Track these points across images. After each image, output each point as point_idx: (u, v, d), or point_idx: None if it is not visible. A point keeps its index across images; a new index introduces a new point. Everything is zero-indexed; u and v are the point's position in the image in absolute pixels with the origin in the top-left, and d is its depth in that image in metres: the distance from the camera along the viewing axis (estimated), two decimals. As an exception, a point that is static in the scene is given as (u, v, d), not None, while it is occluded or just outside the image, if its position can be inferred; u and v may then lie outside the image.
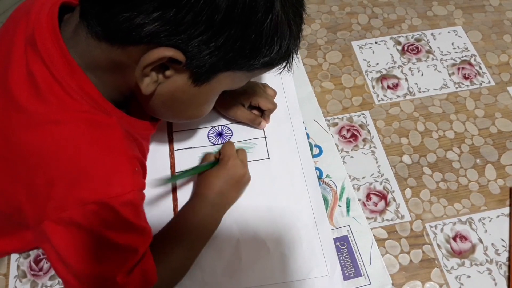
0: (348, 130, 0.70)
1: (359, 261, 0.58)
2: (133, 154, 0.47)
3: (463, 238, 0.61)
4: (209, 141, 0.67)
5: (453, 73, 0.76)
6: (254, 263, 0.57)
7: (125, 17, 0.39)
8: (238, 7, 0.39)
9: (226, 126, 0.69)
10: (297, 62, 0.57)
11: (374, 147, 0.68)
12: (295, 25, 0.45)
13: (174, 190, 0.62)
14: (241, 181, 0.61)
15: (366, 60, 0.77)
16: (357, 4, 0.85)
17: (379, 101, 0.73)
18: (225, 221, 0.60)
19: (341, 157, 0.67)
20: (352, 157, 0.67)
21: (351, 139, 0.69)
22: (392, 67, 0.77)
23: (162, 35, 0.40)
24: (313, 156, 0.66)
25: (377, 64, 0.77)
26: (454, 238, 0.61)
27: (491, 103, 0.73)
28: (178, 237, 0.55)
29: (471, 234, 0.61)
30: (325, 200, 0.63)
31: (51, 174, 0.41)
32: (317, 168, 0.65)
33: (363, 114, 0.71)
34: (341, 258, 0.58)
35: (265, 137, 0.67)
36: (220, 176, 0.58)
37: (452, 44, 0.79)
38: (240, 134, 0.68)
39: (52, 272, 0.58)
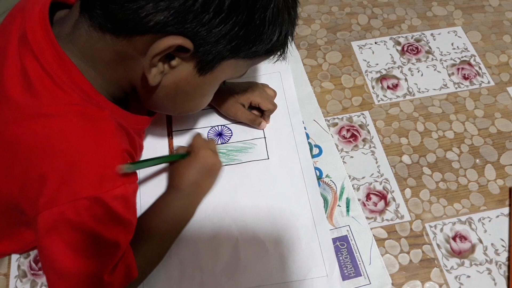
0: (348, 130, 0.70)
1: (359, 261, 0.58)
2: (125, 147, 0.47)
3: (463, 238, 0.61)
4: (209, 141, 0.67)
5: (452, 74, 0.76)
6: (253, 263, 0.57)
7: (133, 8, 0.39)
8: None
9: (226, 126, 0.69)
10: (291, 51, 0.59)
11: (374, 147, 0.68)
12: (293, 11, 0.46)
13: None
14: (213, 170, 0.61)
15: (366, 61, 0.77)
16: (357, 4, 0.85)
17: (378, 101, 0.73)
18: (224, 221, 0.60)
19: (341, 157, 0.67)
20: (352, 157, 0.67)
21: (351, 139, 0.69)
22: (391, 67, 0.77)
23: (171, 24, 0.40)
24: (313, 156, 0.66)
25: (377, 64, 0.77)
26: (454, 238, 0.61)
27: (491, 103, 0.73)
28: (153, 230, 0.55)
29: (470, 234, 0.61)
30: (325, 200, 0.63)
31: (43, 169, 0.41)
32: (317, 168, 0.65)
33: (363, 114, 0.71)
34: (340, 258, 0.58)
35: (264, 138, 0.67)
36: (192, 167, 0.59)
37: (452, 44, 0.79)
38: (240, 134, 0.68)
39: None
